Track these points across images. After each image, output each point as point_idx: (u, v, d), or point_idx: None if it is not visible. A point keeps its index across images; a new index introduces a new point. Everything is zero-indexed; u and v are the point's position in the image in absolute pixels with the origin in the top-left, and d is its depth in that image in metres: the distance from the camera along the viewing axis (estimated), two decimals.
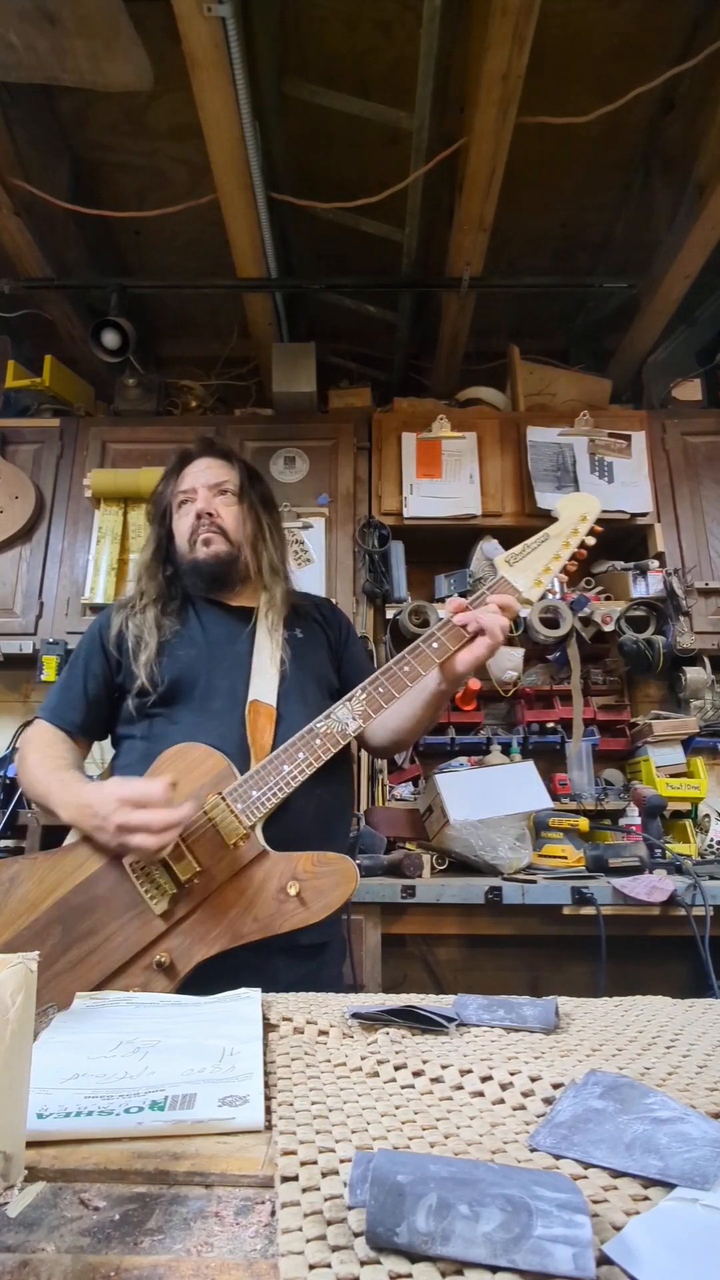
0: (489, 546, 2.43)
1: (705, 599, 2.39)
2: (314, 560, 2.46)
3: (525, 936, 1.78)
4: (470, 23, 1.78)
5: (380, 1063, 0.57)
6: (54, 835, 1.92)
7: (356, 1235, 0.34)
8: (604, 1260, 0.32)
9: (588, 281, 2.60)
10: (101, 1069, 0.53)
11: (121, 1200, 0.40)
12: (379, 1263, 0.32)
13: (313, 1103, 0.50)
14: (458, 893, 1.74)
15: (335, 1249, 0.33)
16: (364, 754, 2.20)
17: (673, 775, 2.29)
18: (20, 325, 2.70)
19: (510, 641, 2.37)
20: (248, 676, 1.15)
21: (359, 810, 2.18)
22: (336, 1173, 0.40)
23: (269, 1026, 0.68)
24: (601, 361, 2.92)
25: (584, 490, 2.43)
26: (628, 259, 2.60)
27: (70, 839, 1.06)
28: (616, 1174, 0.40)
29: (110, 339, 2.41)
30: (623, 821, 2.20)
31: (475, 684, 2.41)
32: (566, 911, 1.72)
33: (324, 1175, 0.39)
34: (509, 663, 2.35)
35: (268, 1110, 0.48)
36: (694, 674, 2.39)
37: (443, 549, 2.56)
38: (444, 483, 2.49)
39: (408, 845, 2.04)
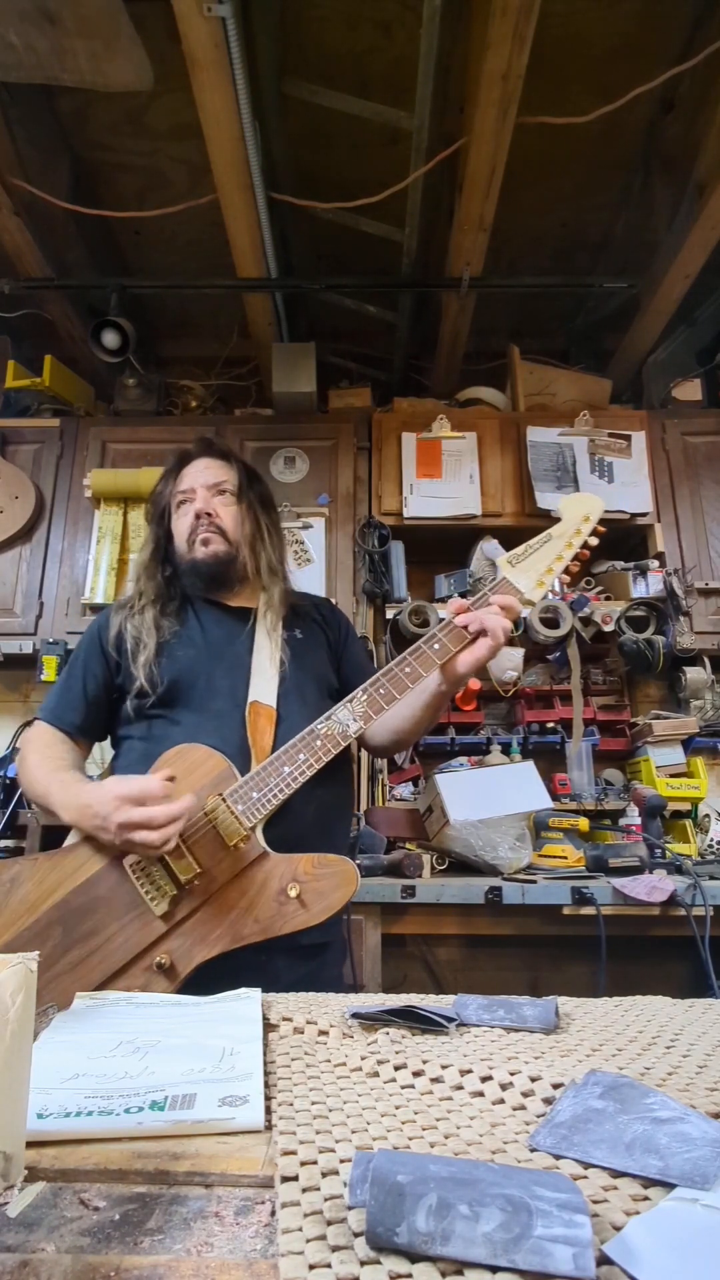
0: (489, 546, 2.43)
1: (705, 599, 2.39)
2: (314, 560, 2.46)
3: (525, 936, 1.78)
4: (470, 23, 1.78)
5: (380, 1063, 0.57)
6: (54, 835, 1.92)
7: (356, 1235, 0.34)
8: (604, 1260, 0.32)
9: (588, 281, 2.60)
10: (101, 1069, 0.54)
11: (121, 1200, 0.40)
12: (379, 1263, 0.32)
13: (313, 1103, 0.50)
14: (458, 893, 1.74)
15: (335, 1249, 0.33)
16: (364, 754, 2.20)
17: (673, 775, 2.29)
18: (20, 325, 2.70)
19: (510, 642, 2.36)
20: (248, 677, 1.15)
21: (359, 810, 2.18)
22: (336, 1173, 0.40)
23: (269, 1026, 0.68)
24: (601, 361, 2.92)
25: (584, 490, 2.43)
26: (628, 259, 2.60)
27: (71, 839, 1.06)
28: (616, 1174, 0.40)
29: (110, 339, 2.41)
30: (623, 821, 2.19)
31: (475, 684, 2.41)
32: (566, 911, 1.72)
33: (324, 1175, 0.39)
34: (509, 663, 2.35)
35: (268, 1110, 0.48)
36: (694, 674, 2.39)
37: (443, 549, 2.56)
38: (444, 483, 2.49)
39: (408, 845, 2.04)
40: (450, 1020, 0.67)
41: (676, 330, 2.73)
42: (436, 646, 1.07)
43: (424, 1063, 0.57)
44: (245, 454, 2.49)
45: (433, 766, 2.32)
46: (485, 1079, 0.54)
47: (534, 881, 1.75)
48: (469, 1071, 0.55)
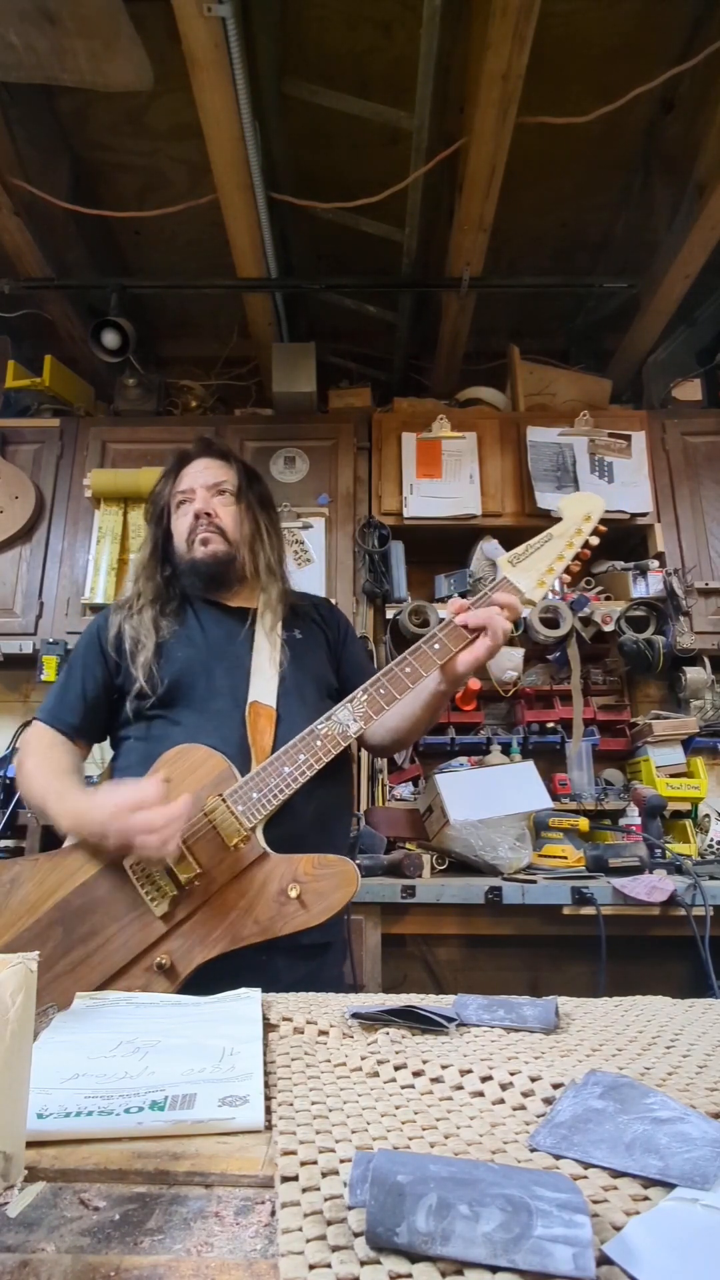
0: (489, 546, 2.43)
1: (705, 599, 2.39)
2: (314, 560, 2.46)
3: (525, 936, 1.78)
4: (470, 23, 1.78)
5: (380, 1063, 0.57)
6: (54, 836, 1.92)
7: (356, 1235, 0.34)
8: (604, 1260, 0.32)
9: (588, 281, 2.60)
10: (101, 1069, 0.53)
11: (121, 1200, 0.40)
12: (379, 1263, 0.32)
13: (313, 1103, 0.50)
14: (458, 893, 1.74)
15: (335, 1249, 0.33)
16: (364, 754, 2.20)
17: (673, 775, 2.29)
18: (20, 325, 2.70)
19: (510, 641, 2.37)
20: (248, 677, 1.15)
21: (359, 810, 2.18)
22: (336, 1173, 0.40)
23: (269, 1026, 0.68)
24: (601, 361, 2.92)
25: (584, 490, 2.43)
26: (628, 259, 2.60)
27: (71, 840, 1.06)
28: (616, 1174, 0.40)
29: (110, 339, 2.41)
30: (623, 821, 2.19)
31: (475, 684, 2.41)
32: (566, 911, 1.72)
33: (324, 1175, 0.39)
34: (509, 663, 2.36)
35: (268, 1110, 0.48)
36: (694, 674, 2.39)
37: (443, 549, 2.56)
38: (444, 483, 2.49)
39: (408, 845, 2.04)
40: (450, 1020, 0.67)
41: (676, 330, 2.73)
42: (436, 646, 1.07)
43: (424, 1063, 0.57)
44: (245, 454, 2.49)
45: (433, 766, 2.32)
46: (485, 1079, 0.54)
47: (534, 881, 1.75)
48: (469, 1071, 0.55)
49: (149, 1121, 0.46)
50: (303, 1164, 0.40)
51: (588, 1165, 0.41)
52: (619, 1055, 0.59)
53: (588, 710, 2.39)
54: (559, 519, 1.15)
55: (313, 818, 1.09)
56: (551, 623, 2.36)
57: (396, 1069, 0.56)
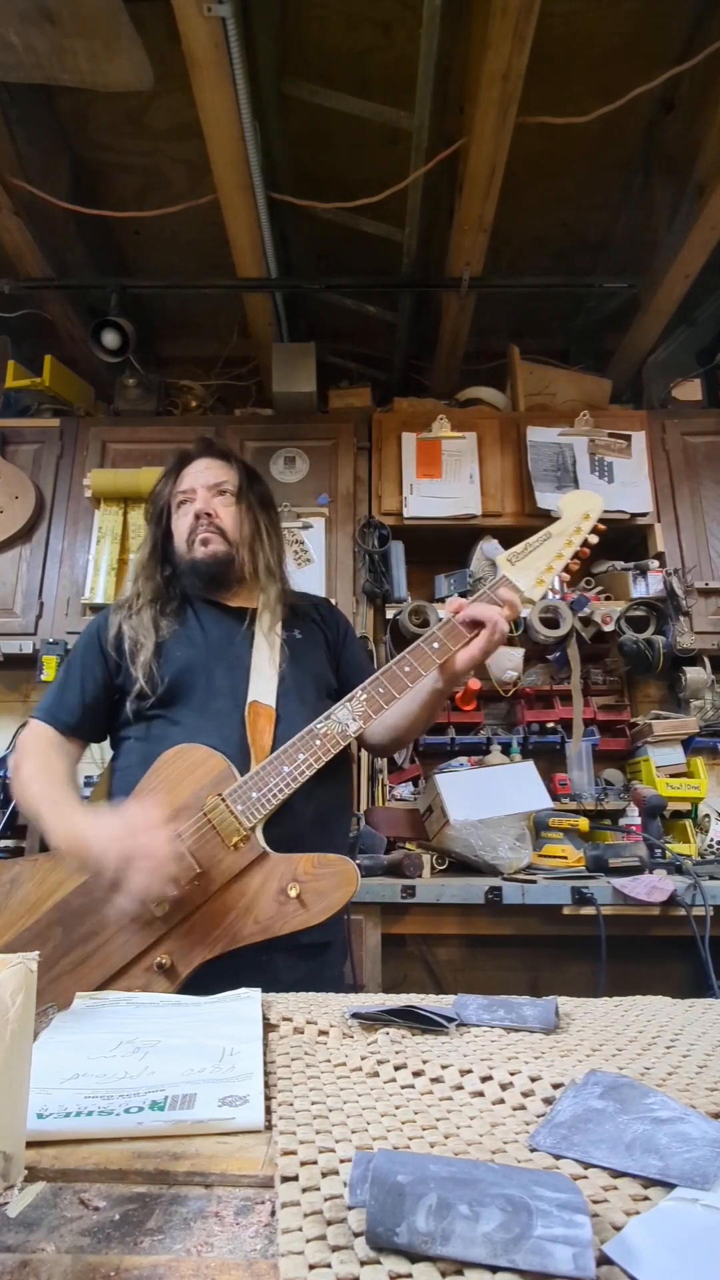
0: (489, 546, 2.43)
1: (705, 599, 2.39)
2: (314, 560, 2.46)
3: (525, 936, 1.78)
4: (470, 23, 1.78)
5: (380, 1063, 0.57)
6: None
7: (356, 1235, 0.34)
8: (604, 1260, 0.32)
9: (588, 281, 2.60)
10: (101, 1069, 0.54)
11: (121, 1200, 0.40)
12: (379, 1263, 0.32)
13: (313, 1103, 0.50)
14: (458, 893, 1.74)
15: (335, 1249, 0.33)
16: (364, 754, 2.20)
17: (673, 775, 2.29)
18: (20, 325, 2.70)
19: (510, 641, 2.37)
20: (247, 677, 1.15)
21: (359, 810, 2.18)
22: (336, 1173, 0.40)
23: (269, 1026, 0.68)
24: (601, 361, 2.92)
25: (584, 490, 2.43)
26: (628, 259, 2.60)
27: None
28: (616, 1174, 0.40)
29: (110, 339, 2.41)
30: (623, 821, 2.19)
31: (475, 684, 2.41)
32: (566, 911, 1.72)
33: (324, 1175, 0.39)
34: (509, 663, 2.36)
35: (268, 1110, 0.48)
36: (694, 674, 2.39)
37: (443, 549, 2.56)
38: (444, 483, 2.49)
39: (408, 845, 2.04)
40: (450, 1020, 0.67)
41: (676, 330, 2.73)
42: (435, 645, 1.07)
43: (424, 1063, 0.57)
44: (245, 454, 2.49)
45: (433, 766, 2.32)
46: (485, 1079, 0.54)
47: (534, 881, 1.75)
48: (469, 1071, 0.55)
49: (149, 1121, 0.46)
50: (303, 1164, 0.40)
51: (588, 1165, 0.41)
52: (619, 1055, 0.59)
53: (588, 710, 2.39)
54: (558, 518, 1.15)
55: (312, 817, 1.09)
56: (551, 623, 2.36)
57: (396, 1069, 0.56)
